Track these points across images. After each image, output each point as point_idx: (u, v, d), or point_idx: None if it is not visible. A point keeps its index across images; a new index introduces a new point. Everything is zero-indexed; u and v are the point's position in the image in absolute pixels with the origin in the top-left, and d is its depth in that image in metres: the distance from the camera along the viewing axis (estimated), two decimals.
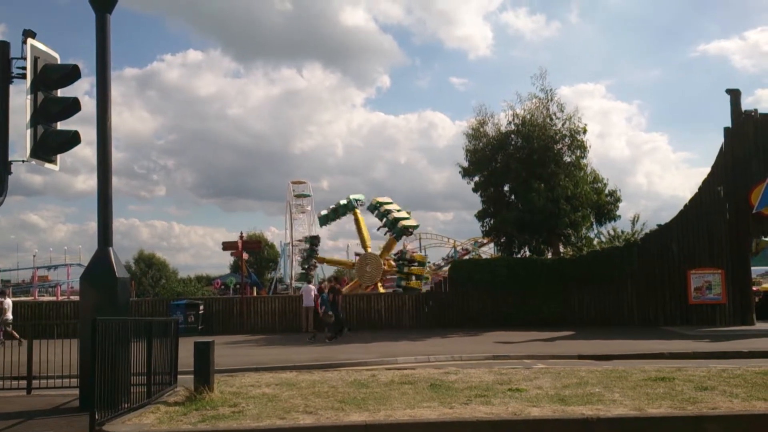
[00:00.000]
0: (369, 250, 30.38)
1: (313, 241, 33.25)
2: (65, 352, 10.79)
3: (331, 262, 39.94)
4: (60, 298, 51.10)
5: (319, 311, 21.01)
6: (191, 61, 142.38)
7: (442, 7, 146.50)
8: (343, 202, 31.19)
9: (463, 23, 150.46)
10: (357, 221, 31.06)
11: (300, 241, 63.93)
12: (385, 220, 28.47)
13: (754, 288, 24.04)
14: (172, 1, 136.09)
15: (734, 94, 23.18)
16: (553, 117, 26.43)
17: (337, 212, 31.32)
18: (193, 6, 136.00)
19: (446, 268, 42.89)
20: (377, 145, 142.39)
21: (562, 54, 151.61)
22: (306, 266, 32.67)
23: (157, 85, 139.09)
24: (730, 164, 22.85)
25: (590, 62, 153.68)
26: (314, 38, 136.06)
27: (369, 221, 33.84)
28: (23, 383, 11.01)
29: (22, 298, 48.76)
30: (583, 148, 26.39)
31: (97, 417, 7.45)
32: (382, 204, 29.04)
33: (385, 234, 29.40)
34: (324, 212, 32.17)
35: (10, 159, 9.14)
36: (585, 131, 26.26)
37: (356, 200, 31.23)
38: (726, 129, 23.14)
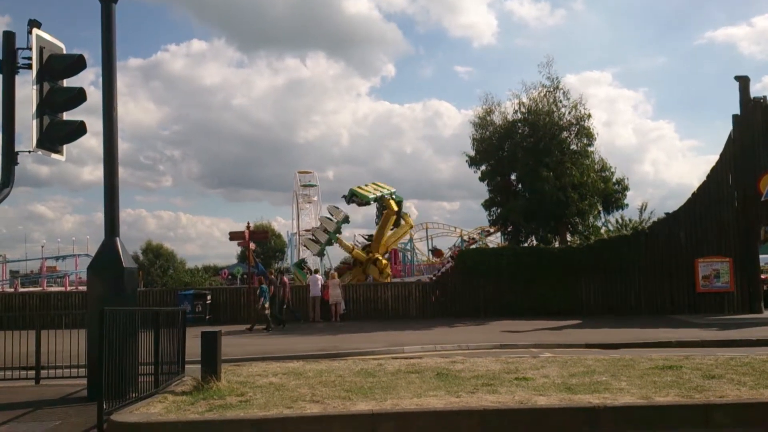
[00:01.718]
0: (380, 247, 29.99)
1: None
2: (73, 342, 10.83)
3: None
4: (68, 288, 51.32)
5: (258, 303, 21.26)
6: (195, 51, 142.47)
7: None
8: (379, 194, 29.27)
9: (467, 11, 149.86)
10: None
11: (311, 229, 64.00)
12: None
13: (763, 276, 23.92)
14: None
15: (743, 81, 22.98)
16: (559, 105, 26.32)
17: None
18: None
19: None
20: (383, 135, 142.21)
21: (568, 42, 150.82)
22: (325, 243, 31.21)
23: (161, 76, 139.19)
24: (739, 152, 22.69)
25: (596, 50, 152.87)
26: (318, 27, 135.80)
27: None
28: (32, 373, 11.08)
29: (31, 289, 49.02)
30: (589, 135, 26.28)
31: (105, 406, 7.48)
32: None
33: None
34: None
35: (16, 150, 9.14)
36: (589, 117, 26.14)
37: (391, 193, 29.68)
38: (735, 116, 22.98)
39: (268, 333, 19.84)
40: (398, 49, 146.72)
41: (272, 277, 22.99)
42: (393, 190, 29.58)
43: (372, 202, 29.17)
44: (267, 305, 20.88)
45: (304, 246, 30.38)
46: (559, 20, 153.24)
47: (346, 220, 29.32)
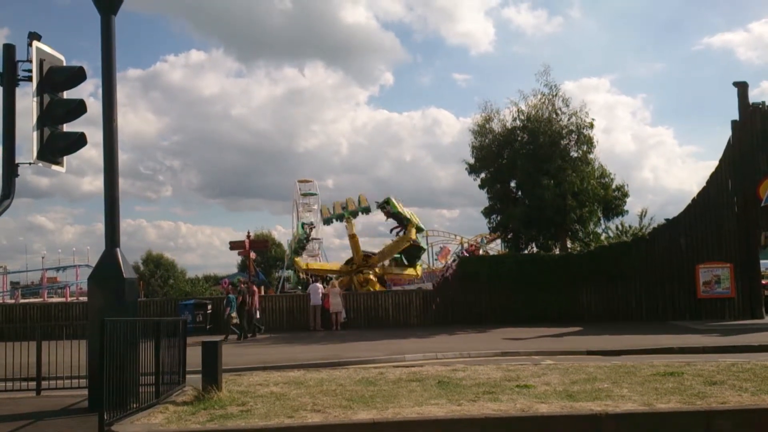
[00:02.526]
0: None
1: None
2: (74, 352, 10.82)
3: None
4: (69, 299, 51.20)
5: (225, 313, 21.30)
6: (194, 62, 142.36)
7: (443, 3, 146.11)
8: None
9: (464, 19, 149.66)
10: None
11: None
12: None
13: (764, 281, 23.91)
14: (173, 2, 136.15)
15: (741, 87, 23.05)
16: (559, 112, 26.39)
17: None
18: (194, 6, 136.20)
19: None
20: (382, 143, 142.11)
21: (565, 49, 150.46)
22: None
23: (160, 86, 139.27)
24: (738, 157, 22.73)
25: (594, 57, 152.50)
26: (315, 37, 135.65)
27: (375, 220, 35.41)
28: (33, 384, 11.06)
29: (32, 300, 48.96)
30: (589, 143, 26.31)
31: (106, 417, 7.47)
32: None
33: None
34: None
35: (17, 161, 9.17)
36: (592, 126, 26.19)
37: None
38: (733, 122, 23.04)
39: (238, 343, 19.90)
40: (396, 58, 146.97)
41: (242, 287, 22.69)
42: (422, 227, 31.34)
43: (394, 218, 29.83)
44: (234, 314, 20.90)
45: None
46: (556, 27, 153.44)
47: (367, 210, 30.41)
